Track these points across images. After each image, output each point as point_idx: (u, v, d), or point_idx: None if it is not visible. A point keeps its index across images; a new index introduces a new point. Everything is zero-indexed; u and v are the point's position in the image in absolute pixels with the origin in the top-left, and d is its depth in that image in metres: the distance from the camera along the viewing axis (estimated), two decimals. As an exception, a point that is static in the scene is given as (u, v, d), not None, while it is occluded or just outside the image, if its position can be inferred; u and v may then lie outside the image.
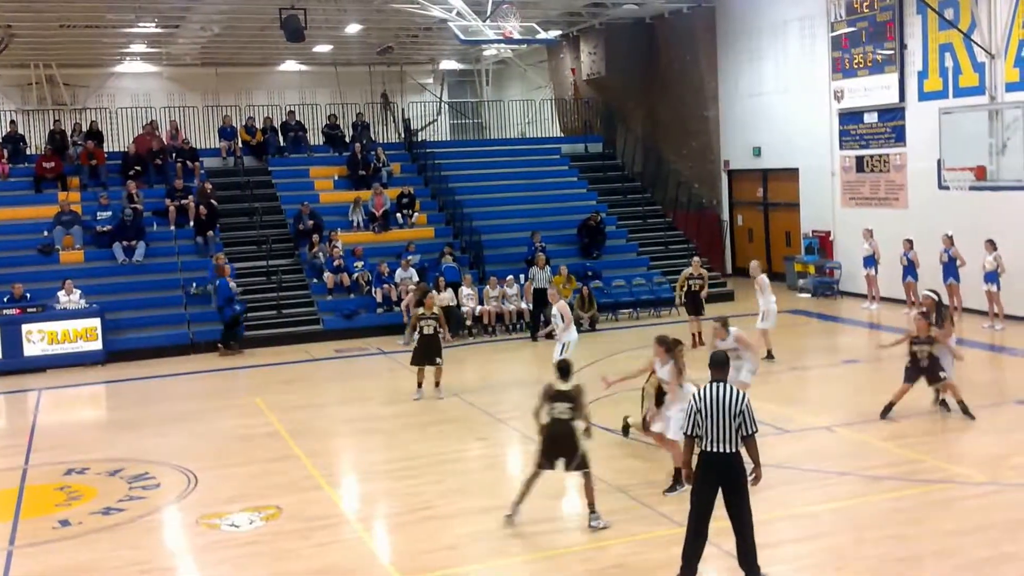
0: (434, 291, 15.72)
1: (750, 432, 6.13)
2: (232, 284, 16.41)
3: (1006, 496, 7.98)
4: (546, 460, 7.58)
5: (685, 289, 15.15)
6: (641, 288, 18.52)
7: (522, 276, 17.62)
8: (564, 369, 7.72)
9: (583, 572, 6.80)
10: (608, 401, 11.72)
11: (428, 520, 7.95)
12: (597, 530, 7.48)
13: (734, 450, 6.12)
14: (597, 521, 7.56)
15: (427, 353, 12.10)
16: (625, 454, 9.54)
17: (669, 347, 8.38)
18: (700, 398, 6.22)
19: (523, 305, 17.15)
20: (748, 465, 6.28)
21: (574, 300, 17.20)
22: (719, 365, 6.37)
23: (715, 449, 6.13)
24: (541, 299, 16.41)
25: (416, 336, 12.24)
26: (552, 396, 7.54)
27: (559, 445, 7.51)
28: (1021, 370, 12.93)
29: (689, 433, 6.25)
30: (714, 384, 6.25)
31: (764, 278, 13.37)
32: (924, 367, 10.05)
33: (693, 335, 14.58)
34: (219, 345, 16.05)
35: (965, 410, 10.02)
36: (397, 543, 7.73)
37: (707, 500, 6.17)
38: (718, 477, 6.14)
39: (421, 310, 12.30)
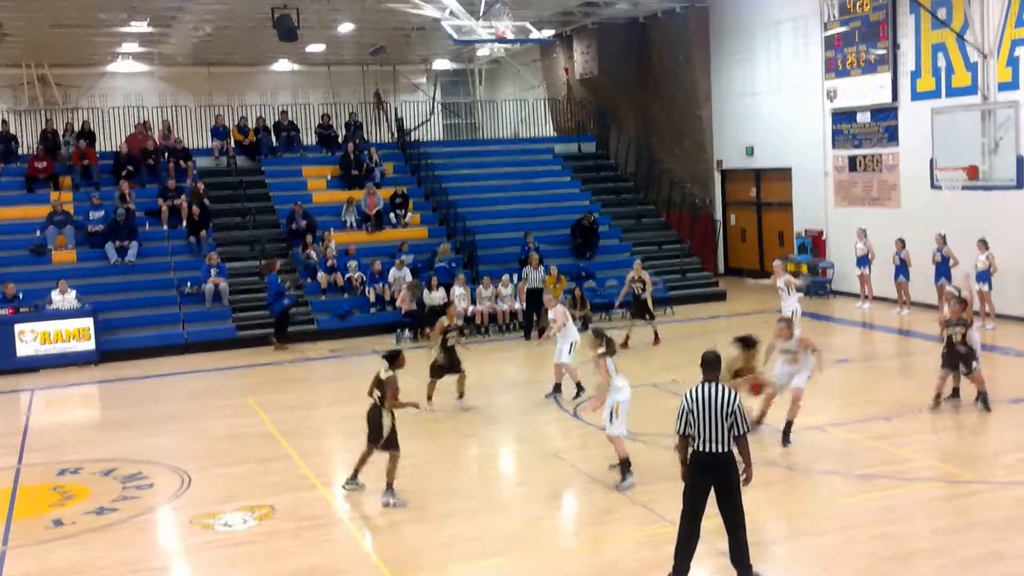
0: (441, 292, 15.68)
1: (742, 432, 6.16)
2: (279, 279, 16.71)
3: (996, 494, 8.02)
4: (368, 440, 8.46)
5: (627, 292, 15.17)
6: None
7: (515, 276, 17.62)
8: (390, 357, 8.51)
9: (576, 571, 6.82)
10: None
11: (420, 520, 7.96)
12: (388, 506, 8.19)
13: (726, 450, 6.14)
14: (387, 497, 8.24)
15: (453, 364, 11.44)
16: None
17: (602, 341, 8.76)
18: (692, 398, 6.23)
19: (516, 305, 17.16)
20: (741, 464, 6.31)
21: (565, 300, 17.23)
22: (710, 365, 6.37)
23: (707, 449, 6.16)
24: (534, 299, 16.44)
25: (439, 351, 11.34)
26: (374, 383, 8.46)
27: (371, 427, 8.41)
28: (1012, 369, 12.99)
29: (681, 432, 6.27)
30: (705, 384, 6.27)
31: (791, 277, 13.57)
32: (960, 353, 10.17)
33: (627, 336, 14.48)
34: (273, 340, 16.20)
35: (985, 402, 10.20)
36: (390, 543, 7.73)
37: (699, 499, 6.20)
38: (710, 477, 6.17)
39: (445, 320, 11.60)
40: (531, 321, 16.51)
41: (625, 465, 8.40)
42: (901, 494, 8.11)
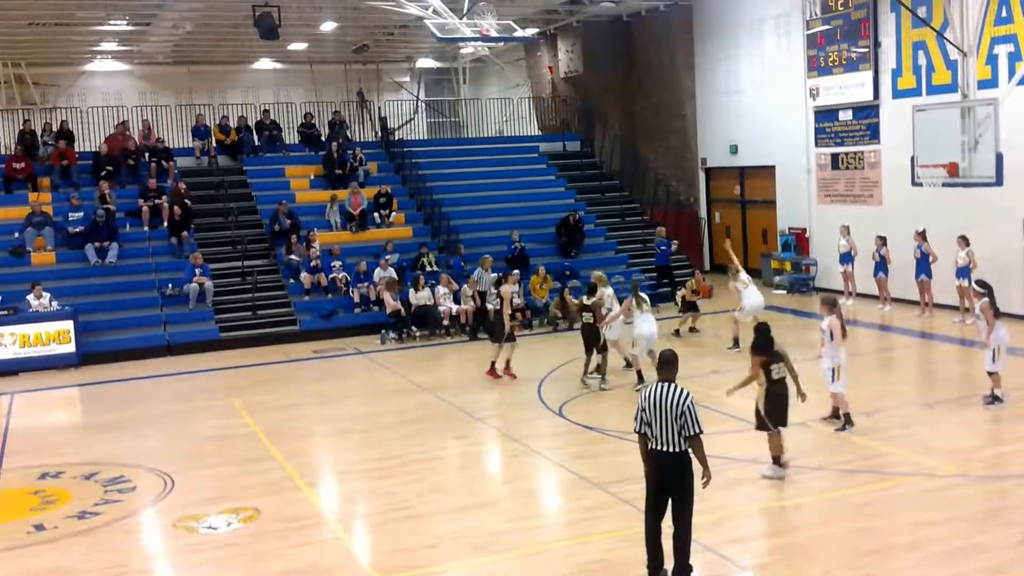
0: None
1: (693, 433, 6.05)
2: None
3: (975, 488, 8.10)
4: (586, 350, 12.26)
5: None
6: (620, 286, 18.54)
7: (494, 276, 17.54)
8: (591, 289, 12.34)
9: (563, 569, 6.82)
10: (587, 399, 11.78)
11: (407, 519, 7.94)
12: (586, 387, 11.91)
13: (677, 450, 6.08)
14: (592, 383, 12.05)
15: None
16: (606, 451, 9.59)
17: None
18: (645, 397, 6.20)
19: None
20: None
21: (552, 300, 17.22)
22: (666, 364, 6.31)
23: (659, 448, 6.14)
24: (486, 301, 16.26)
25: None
26: (580, 308, 12.46)
27: (588, 339, 12.24)
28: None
29: (638, 431, 6.26)
30: (659, 384, 6.22)
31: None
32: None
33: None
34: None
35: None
36: (376, 543, 7.71)
37: (656, 497, 6.20)
38: (664, 475, 6.14)
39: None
40: (479, 323, 16.26)
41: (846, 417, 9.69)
42: (882, 488, 8.17)
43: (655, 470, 6.18)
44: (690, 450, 6.11)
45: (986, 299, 10.29)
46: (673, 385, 6.18)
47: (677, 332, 15.48)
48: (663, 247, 19.12)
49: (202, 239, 18.56)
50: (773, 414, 8.25)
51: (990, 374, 10.31)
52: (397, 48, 27.26)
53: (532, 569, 6.90)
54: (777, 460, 8.35)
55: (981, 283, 10.74)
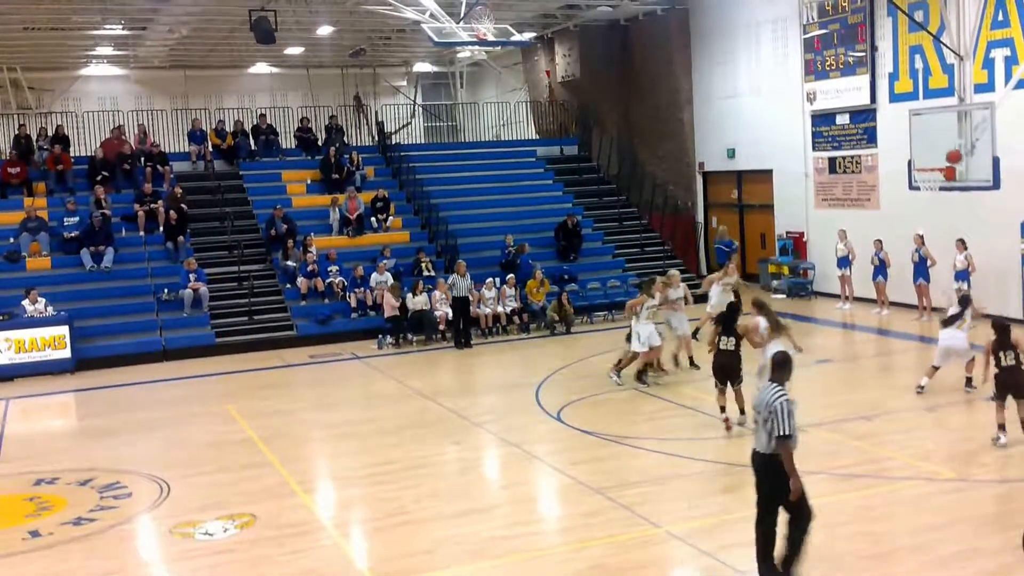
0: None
1: (779, 433, 6.03)
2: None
3: (975, 492, 8.08)
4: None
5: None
6: (616, 290, 18.56)
7: (498, 279, 17.52)
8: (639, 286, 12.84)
9: (561, 574, 6.79)
10: (585, 403, 11.75)
11: (404, 525, 7.90)
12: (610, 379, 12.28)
13: (762, 450, 6.18)
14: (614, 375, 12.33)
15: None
16: (604, 456, 9.55)
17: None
18: (756, 396, 6.42)
19: (499, 308, 17.09)
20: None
21: (549, 304, 17.20)
22: (779, 366, 6.40)
23: (754, 447, 6.32)
24: (461, 307, 15.96)
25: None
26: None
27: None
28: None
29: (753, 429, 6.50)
30: (769, 384, 6.34)
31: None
32: None
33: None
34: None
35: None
36: (373, 549, 7.67)
37: (758, 496, 6.33)
38: (755, 474, 6.32)
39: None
40: (459, 329, 15.98)
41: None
42: (882, 493, 8.16)
43: (752, 466, 6.35)
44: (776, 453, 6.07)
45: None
46: (775, 386, 6.22)
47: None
48: (726, 246, 18.93)
49: (198, 244, 18.52)
50: (716, 374, 10.22)
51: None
52: (394, 52, 27.26)
53: (530, 574, 6.86)
54: (723, 410, 10.09)
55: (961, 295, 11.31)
